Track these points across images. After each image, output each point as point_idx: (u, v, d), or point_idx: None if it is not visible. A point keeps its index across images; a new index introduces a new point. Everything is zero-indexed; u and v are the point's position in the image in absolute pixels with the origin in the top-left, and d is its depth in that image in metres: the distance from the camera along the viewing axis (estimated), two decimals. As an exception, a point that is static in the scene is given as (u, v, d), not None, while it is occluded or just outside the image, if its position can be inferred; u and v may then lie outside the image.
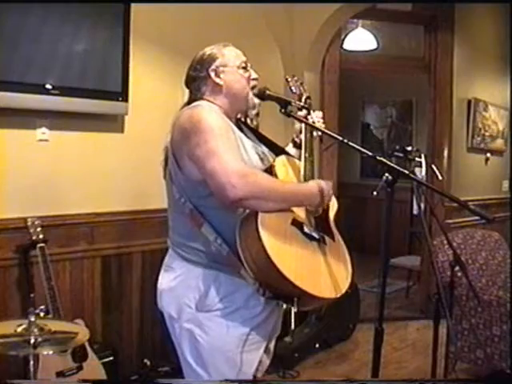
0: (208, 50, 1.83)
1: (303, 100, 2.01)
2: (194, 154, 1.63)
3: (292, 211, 1.68)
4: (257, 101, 1.85)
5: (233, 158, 1.59)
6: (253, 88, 1.84)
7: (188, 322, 1.73)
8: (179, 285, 1.75)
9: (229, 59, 1.81)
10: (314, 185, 1.75)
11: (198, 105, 1.74)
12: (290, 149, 2.06)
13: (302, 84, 2.08)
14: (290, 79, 2.07)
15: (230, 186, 1.53)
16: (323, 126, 1.94)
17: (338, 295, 1.68)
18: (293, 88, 2.05)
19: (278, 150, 1.93)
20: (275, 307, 1.78)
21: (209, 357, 1.72)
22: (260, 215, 1.58)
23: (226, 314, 1.71)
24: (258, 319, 1.73)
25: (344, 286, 1.70)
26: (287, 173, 1.80)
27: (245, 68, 1.83)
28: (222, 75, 1.79)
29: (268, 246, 1.53)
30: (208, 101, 1.79)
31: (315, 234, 1.71)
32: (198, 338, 1.72)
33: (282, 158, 1.85)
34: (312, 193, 1.71)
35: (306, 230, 1.68)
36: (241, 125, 1.92)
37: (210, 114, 1.68)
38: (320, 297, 1.61)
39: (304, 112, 1.95)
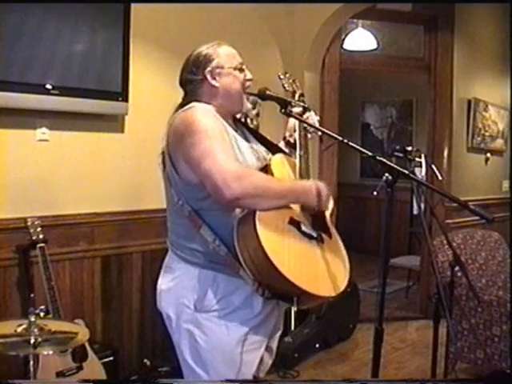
0: (204, 50, 1.79)
1: (296, 97, 1.98)
2: (188, 156, 1.63)
3: (289, 210, 1.68)
4: (250, 105, 1.84)
5: (227, 157, 1.59)
6: (247, 89, 1.82)
7: (187, 323, 1.73)
8: (177, 285, 1.75)
9: (225, 61, 1.78)
10: (311, 183, 1.75)
11: (191, 106, 1.72)
12: (282, 146, 2.05)
13: (294, 81, 2.05)
14: (282, 77, 2.03)
15: (226, 186, 1.52)
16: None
17: (337, 293, 1.67)
18: (286, 85, 2.02)
19: (275, 150, 1.92)
20: (275, 306, 1.78)
21: (208, 357, 1.71)
22: (257, 214, 1.57)
23: (224, 315, 1.70)
24: (257, 319, 1.73)
25: (342, 284, 1.70)
26: (283, 171, 1.80)
27: (240, 69, 1.81)
28: (217, 77, 1.77)
29: (266, 244, 1.52)
30: (204, 102, 1.76)
31: (313, 233, 1.70)
32: (198, 339, 1.71)
33: (279, 156, 1.85)
34: (307, 191, 1.70)
35: (303, 228, 1.67)
36: (239, 125, 1.91)
37: (204, 114, 1.67)
38: (319, 295, 1.60)
39: (300, 110, 1.91)
